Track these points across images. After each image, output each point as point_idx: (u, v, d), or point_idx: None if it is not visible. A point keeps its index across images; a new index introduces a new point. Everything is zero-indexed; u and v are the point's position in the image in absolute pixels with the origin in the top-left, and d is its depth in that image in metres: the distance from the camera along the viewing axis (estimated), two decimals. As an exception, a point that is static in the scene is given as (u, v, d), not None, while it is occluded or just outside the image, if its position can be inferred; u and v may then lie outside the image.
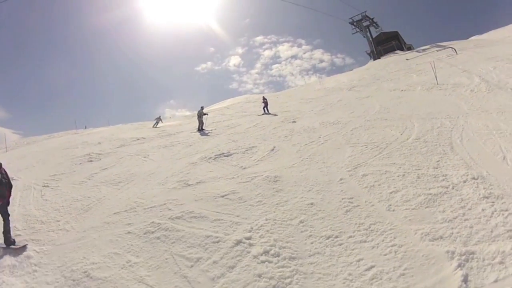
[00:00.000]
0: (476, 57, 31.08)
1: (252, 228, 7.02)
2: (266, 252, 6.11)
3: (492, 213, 6.56)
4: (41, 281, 6.41)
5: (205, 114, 25.75)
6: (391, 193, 7.99)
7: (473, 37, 65.32)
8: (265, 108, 28.41)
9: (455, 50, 39.69)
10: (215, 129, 22.99)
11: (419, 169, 9.20)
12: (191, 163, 13.41)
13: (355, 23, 70.99)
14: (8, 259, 7.18)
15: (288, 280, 5.34)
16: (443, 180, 8.35)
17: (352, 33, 70.40)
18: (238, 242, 6.49)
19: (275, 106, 29.77)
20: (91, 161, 16.98)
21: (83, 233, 8.14)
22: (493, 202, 6.94)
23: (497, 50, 31.51)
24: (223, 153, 14.11)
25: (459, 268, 5.11)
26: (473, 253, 5.46)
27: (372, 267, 5.45)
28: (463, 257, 5.36)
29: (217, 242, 6.66)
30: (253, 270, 5.65)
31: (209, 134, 20.84)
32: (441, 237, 6.00)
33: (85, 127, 41.83)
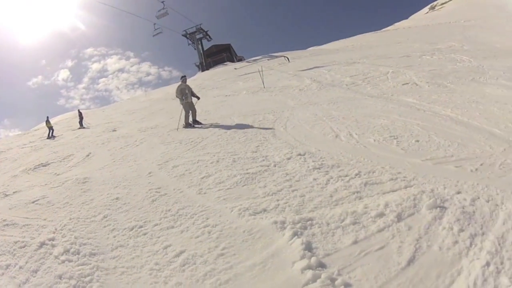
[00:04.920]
0: (310, 63, 33.54)
1: (56, 229, 6.39)
2: (66, 251, 5.45)
3: (328, 180, 6.36)
4: None
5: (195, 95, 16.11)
6: (202, 178, 7.72)
7: (311, 48, 69.25)
8: (80, 122, 28.82)
9: (287, 58, 41.43)
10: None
11: (236, 154, 9.06)
12: (13, 176, 12.89)
13: (188, 36, 72.09)
14: None
15: (88, 278, 4.66)
16: (263, 160, 8.21)
17: (154, 34, 71.22)
18: (42, 245, 5.85)
19: (99, 119, 31.33)
20: None
21: None
22: (327, 171, 6.79)
23: (335, 57, 34.75)
24: (42, 164, 13.90)
25: (296, 237, 4.55)
26: (311, 219, 4.97)
27: (182, 252, 4.82)
28: (298, 225, 4.83)
29: (24, 247, 5.99)
30: (54, 271, 4.96)
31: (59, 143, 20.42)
32: (265, 210, 5.59)
33: None
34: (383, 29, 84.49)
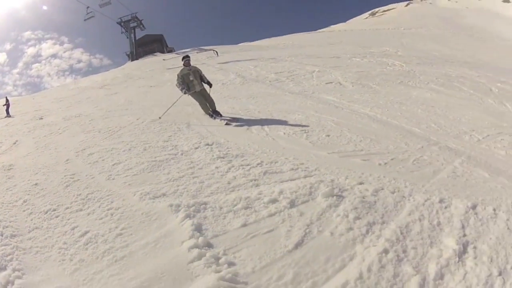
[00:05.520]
0: (238, 58, 33.83)
1: (-18, 214, 6.73)
2: (-10, 234, 5.81)
3: (229, 168, 6.72)
4: None
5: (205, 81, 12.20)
6: (113, 165, 8.00)
7: (242, 43, 69.44)
8: (7, 110, 27.81)
9: (216, 52, 41.70)
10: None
11: (148, 143, 9.34)
12: None
13: (122, 23, 71.49)
14: None
15: (9, 257, 4.81)
16: (172, 149, 8.51)
17: (85, 19, 71.76)
18: (-29, 229, 6.12)
19: (29, 106, 29.86)
20: None
21: None
22: (230, 160, 7.18)
23: (264, 53, 34.98)
24: (-28, 152, 13.85)
25: (188, 219, 4.83)
26: (205, 203, 5.29)
27: (86, 232, 5.09)
28: (192, 208, 5.13)
29: (-44, 232, 6.27)
30: (-18, 252, 5.26)
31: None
32: (164, 194, 5.91)
33: None
34: (318, 30, 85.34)
